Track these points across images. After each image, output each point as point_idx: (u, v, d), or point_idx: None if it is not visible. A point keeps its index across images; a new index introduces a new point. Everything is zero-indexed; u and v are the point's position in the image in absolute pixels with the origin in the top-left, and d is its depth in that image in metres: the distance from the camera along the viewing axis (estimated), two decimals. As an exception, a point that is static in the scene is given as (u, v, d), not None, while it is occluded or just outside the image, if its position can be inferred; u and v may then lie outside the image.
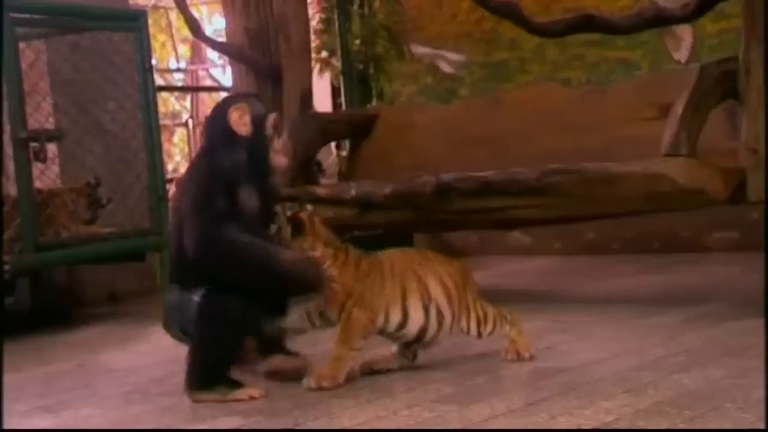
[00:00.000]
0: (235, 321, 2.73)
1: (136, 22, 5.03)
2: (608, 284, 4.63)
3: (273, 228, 2.79)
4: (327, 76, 6.63)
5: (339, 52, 6.14)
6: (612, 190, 3.55)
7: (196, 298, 2.74)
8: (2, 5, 4.19)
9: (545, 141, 4.29)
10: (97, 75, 5.22)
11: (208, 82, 11.00)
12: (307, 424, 2.44)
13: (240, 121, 2.77)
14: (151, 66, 5.05)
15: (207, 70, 11.16)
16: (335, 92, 6.95)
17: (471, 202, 3.88)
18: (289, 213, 2.81)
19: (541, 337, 3.15)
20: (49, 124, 5.24)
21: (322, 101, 6.81)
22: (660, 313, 3.55)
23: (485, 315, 2.91)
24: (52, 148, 4.79)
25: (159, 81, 7.99)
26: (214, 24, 10.41)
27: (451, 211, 3.99)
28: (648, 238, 5.50)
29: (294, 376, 2.85)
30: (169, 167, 9.13)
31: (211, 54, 10.54)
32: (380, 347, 2.99)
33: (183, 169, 9.72)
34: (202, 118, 8.96)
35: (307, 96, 5.30)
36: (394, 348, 2.96)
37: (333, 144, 5.95)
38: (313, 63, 5.80)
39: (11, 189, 4.75)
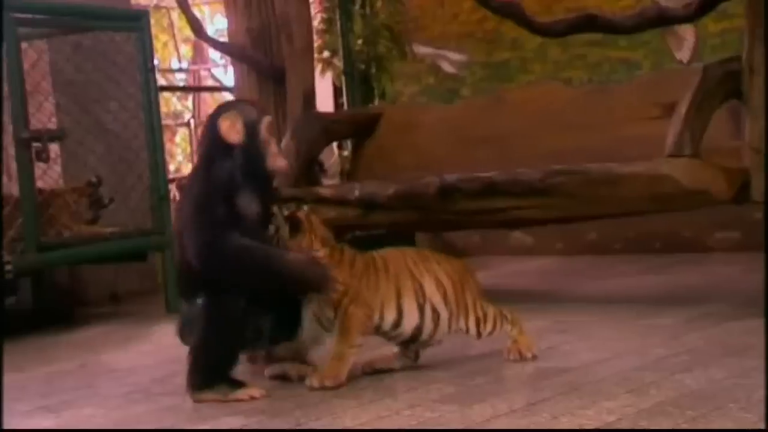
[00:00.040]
0: (237, 321, 2.73)
1: (138, 22, 5.04)
2: (610, 284, 4.63)
3: (271, 229, 2.80)
4: (329, 76, 6.62)
5: (341, 52, 6.14)
6: (615, 190, 3.55)
7: (200, 302, 2.74)
8: (2, 5, 4.19)
9: (548, 140, 4.29)
10: (99, 75, 5.23)
11: (210, 82, 11.00)
12: (309, 424, 2.44)
13: (231, 130, 2.74)
14: (153, 66, 5.06)
15: (209, 70, 11.16)
16: (337, 92, 6.95)
17: (474, 203, 3.89)
18: (286, 212, 2.81)
19: (542, 337, 3.15)
20: (52, 124, 5.25)
21: (324, 101, 6.81)
22: (662, 313, 3.55)
23: (485, 315, 2.91)
24: (54, 148, 4.80)
25: (161, 81, 7.98)
26: (216, 24, 10.41)
27: (455, 212, 3.99)
28: (650, 238, 5.50)
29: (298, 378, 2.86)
30: (171, 167, 9.13)
31: (213, 54, 10.54)
32: (382, 347, 2.99)
33: (185, 169, 9.75)
34: (203, 118, 8.97)
35: (310, 96, 5.31)
36: (395, 348, 2.96)
37: (335, 144, 5.95)
38: (315, 63, 5.80)
39: (13, 189, 4.76)
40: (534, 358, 2.92)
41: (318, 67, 5.98)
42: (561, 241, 5.83)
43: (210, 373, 2.74)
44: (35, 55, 5.01)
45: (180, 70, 11.19)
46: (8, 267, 4.24)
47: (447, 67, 6.42)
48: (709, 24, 5.12)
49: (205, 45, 8.96)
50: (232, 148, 2.75)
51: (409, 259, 2.89)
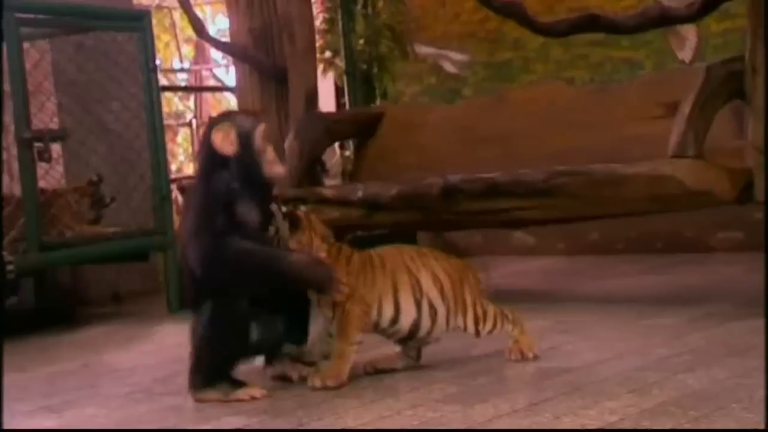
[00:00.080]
0: (239, 321, 2.73)
1: (140, 22, 5.04)
2: (612, 284, 4.63)
3: (271, 230, 2.80)
4: (330, 76, 6.63)
5: (343, 52, 6.15)
6: (619, 191, 3.55)
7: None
8: (2, 5, 4.19)
9: (551, 140, 4.29)
10: (101, 75, 5.24)
11: (211, 82, 11.01)
12: (312, 423, 2.44)
13: (225, 142, 2.74)
14: (155, 66, 5.07)
15: (211, 70, 11.17)
16: (339, 92, 6.95)
17: (478, 204, 3.89)
18: (284, 210, 2.82)
19: (544, 337, 3.14)
20: (54, 124, 5.25)
21: (326, 101, 6.81)
22: (664, 313, 3.54)
23: (485, 313, 2.90)
24: (56, 148, 4.80)
25: (163, 81, 7.98)
26: (218, 24, 10.43)
27: (458, 212, 4.00)
28: (652, 238, 5.50)
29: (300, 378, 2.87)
30: (173, 167, 9.14)
31: (215, 54, 10.55)
32: (384, 347, 2.99)
33: (186, 168, 9.76)
34: (205, 118, 8.98)
35: (312, 96, 5.31)
36: (397, 348, 2.96)
37: (336, 144, 5.95)
38: (317, 63, 5.80)
39: (15, 189, 4.76)
40: (536, 358, 2.92)
41: (320, 67, 5.98)
42: (563, 241, 5.83)
43: (212, 372, 2.74)
44: (37, 55, 5.01)
45: (182, 70, 11.20)
46: (10, 267, 4.24)
47: (449, 67, 6.42)
48: (711, 24, 5.11)
49: (206, 45, 8.97)
50: (227, 160, 2.75)
51: (406, 255, 2.89)
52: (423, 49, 6.50)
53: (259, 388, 2.75)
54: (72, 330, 4.67)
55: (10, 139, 4.61)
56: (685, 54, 5.43)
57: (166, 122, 6.28)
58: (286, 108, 5.46)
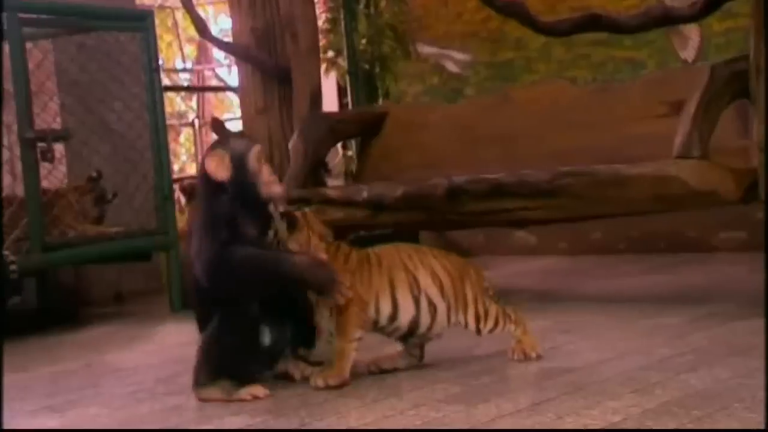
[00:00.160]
0: (247, 321, 2.75)
1: (142, 22, 5.05)
2: (614, 284, 4.63)
3: (270, 234, 2.81)
4: (333, 75, 6.63)
5: (345, 52, 6.15)
6: (623, 192, 3.55)
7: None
8: (2, 5, 4.20)
9: (555, 139, 4.29)
10: (103, 75, 5.24)
11: (214, 82, 11.03)
12: (314, 423, 2.44)
13: (218, 168, 2.77)
14: (157, 66, 5.07)
15: (213, 70, 11.19)
16: (341, 92, 6.95)
17: (482, 204, 3.89)
18: (281, 210, 2.83)
19: (546, 336, 3.14)
20: (56, 124, 5.26)
21: (329, 101, 6.81)
22: (666, 313, 3.54)
23: (486, 312, 2.90)
24: (59, 148, 4.81)
25: (165, 81, 8.00)
26: (221, 24, 10.44)
27: (462, 213, 4.00)
28: (654, 237, 5.50)
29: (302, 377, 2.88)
30: (176, 167, 9.15)
31: (218, 54, 10.57)
32: (386, 347, 2.99)
33: (189, 168, 9.77)
34: (208, 118, 8.98)
35: (316, 96, 5.31)
36: (399, 347, 2.97)
37: (338, 144, 5.96)
38: (320, 63, 5.81)
39: (18, 189, 4.77)
40: (538, 357, 2.92)
41: (322, 67, 5.98)
42: (565, 240, 5.83)
43: (216, 369, 2.75)
44: (40, 55, 5.02)
45: (184, 70, 11.22)
46: (13, 267, 4.24)
47: (451, 67, 6.42)
48: (713, 23, 5.11)
49: (209, 45, 8.98)
50: (222, 186, 2.78)
51: (404, 253, 2.90)
52: (425, 49, 6.51)
53: (262, 387, 2.75)
54: (74, 330, 4.68)
55: (13, 139, 4.62)
56: (688, 53, 5.42)
57: (168, 122, 6.30)
58: (289, 108, 5.46)
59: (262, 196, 2.81)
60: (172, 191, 5.16)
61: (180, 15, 10.41)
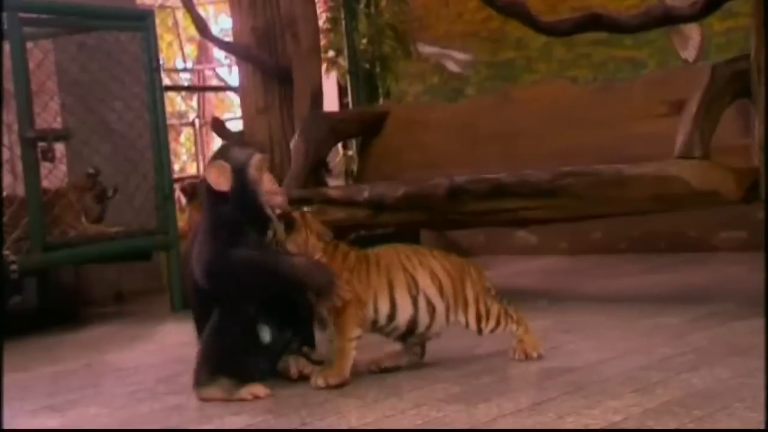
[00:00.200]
0: (246, 320, 2.76)
1: (143, 21, 5.05)
2: (614, 284, 4.62)
3: (269, 234, 2.82)
4: (333, 75, 6.63)
5: (346, 52, 6.15)
6: (624, 192, 3.55)
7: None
8: (2, 4, 4.20)
9: (555, 138, 4.29)
10: (104, 74, 5.24)
11: (214, 82, 11.02)
12: (315, 423, 2.44)
13: (219, 179, 2.80)
14: (158, 65, 5.07)
15: (214, 69, 11.19)
16: (342, 91, 6.95)
17: (483, 204, 3.90)
18: (278, 210, 2.83)
19: (547, 336, 3.14)
20: (57, 124, 5.26)
21: (329, 100, 6.81)
22: (667, 313, 3.54)
23: (488, 312, 2.90)
24: (59, 147, 4.81)
25: (166, 80, 7.98)
26: (221, 23, 10.44)
27: (464, 213, 4.00)
28: (655, 237, 5.50)
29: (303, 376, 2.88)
30: (176, 167, 9.15)
31: (218, 53, 10.56)
32: (386, 346, 2.99)
33: (189, 168, 9.77)
34: (208, 118, 8.98)
35: (317, 96, 5.31)
36: (398, 346, 2.97)
37: (339, 143, 5.96)
38: (321, 62, 5.80)
39: (18, 188, 4.77)
40: (539, 357, 2.92)
41: (323, 67, 5.98)
42: (565, 240, 5.83)
43: (216, 367, 2.75)
44: (41, 55, 5.02)
45: (185, 69, 11.21)
46: (14, 266, 4.25)
47: (452, 67, 6.42)
48: (714, 23, 5.11)
49: (209, 44, 8.98)
50: (223, 196, 2.81)
51: (402, 254, 2.91)
52: (426, 49, 6.50)
53: (263, 386, 2.75)
54: (75, 329, 4.68)
55: (13, 138, 4.62)
56: (689, 53, 5.42)
57: (169, 122, 6.29)
58: (290, 108, 5.46)
59: (263, 205, 2.83)
60: (172, 191, 5.16)
61: (180, 14, 10.41)
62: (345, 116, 5.60)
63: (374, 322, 2.84)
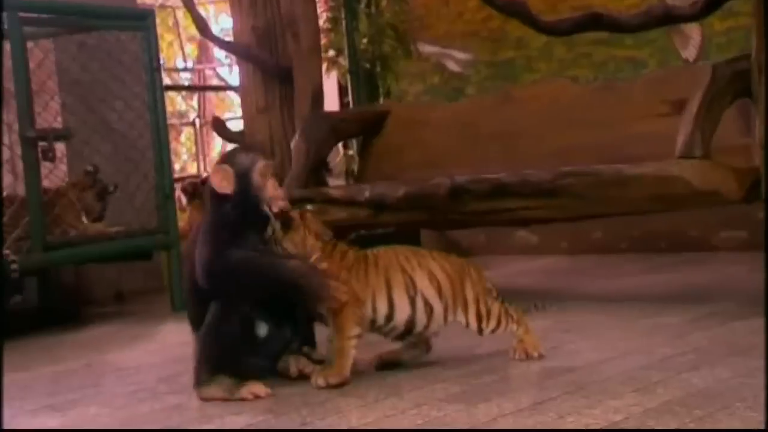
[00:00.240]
0: (242, 316, 2.77)
1: (143, 21, 5.05)
2: (615, 283, 4.62)
3: (269, 230, 2.83)
4: (334, 74, 6.63)
5: (346, 51, 6.15)
6: (625, 192, 3.55)
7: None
8: (2, 4, 4.20)
9: (556, 137, 4.29)
10: (104, 74, 5.24)
11: (215, 82, 11.02)
12: (315, 423, 2.44)
13: (222, 182, 2.83)
14: (158, 65, 5.07)
15: (214, 69, 11.18)
16: (342, 91, 6.95)
17: (484, 204, 3.90)
18: (275, 209, 2.84)
19: (547, 336, 3.14)
20: (57, 124, 5.26)
21: (330, 100, 6.81)
22: (667, 312, 3.54)
23: (488, 312, 2.91)
24: (60, 147, 4.81)
25: (166, 80, 7.98)
26: (221, 23, 10.43)
27: (464, 212, 4.00)
28: (655, 237, 5.50)
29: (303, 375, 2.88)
30: (176, 166, 9.15)
31: (219, 53, 10.56)
32: (386, 345, 2.99)
33: (190, 168, 9.76)
34: (209, 118, 8.98)
35: (318, 95, 5.30)
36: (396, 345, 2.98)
37: (340, 143, 5.96)
38: (321, 62, 5.80)
39: (19, 188, 4.77)
40: (540, 357, 2.92)
41: (323, 66, 5.98)
42: (566, 240, 5.83)
43: (214, 367, 2.75)
44: (41, 55, 5.02)
45: (185, 69, 11.20)
46: (14, 266, 4.25)
47: (452, 66, 6.42)
48: (714, 22, 5.11)
49: (210, 44, 8.97)
50: (226, 198, 2.83)
51: (401, 255, 2.92)
52: (426, 48, 6.50)
53: (263, 385, 2.75)
54: (75, 329, 4.68)
55: (14, 138, 4.62)
56: (689, 53, 5.42)
57: (169, 121, 6.29)
58: (290, 107, 5.46)
59: (264, 211, 2.84)
60: (173, 190, 5.16)
61: (181, 14, 10.41)
62: (345, 116, 5.60)
63: (372, 322, 2.85)
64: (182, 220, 5.41)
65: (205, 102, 10.80)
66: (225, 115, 9.45)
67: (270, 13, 5.56)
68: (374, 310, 2.84)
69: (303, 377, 2.85)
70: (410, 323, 2.87)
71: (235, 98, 9.46)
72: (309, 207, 3.09)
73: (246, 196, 2.82)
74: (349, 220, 4.22)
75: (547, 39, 5.50)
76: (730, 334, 3.09)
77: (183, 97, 11.10)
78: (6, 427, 2.59)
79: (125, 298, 5.70)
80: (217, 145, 10.01)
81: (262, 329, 2.82)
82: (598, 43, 5.54)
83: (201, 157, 9.00)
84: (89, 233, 4.79)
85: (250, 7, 5.58)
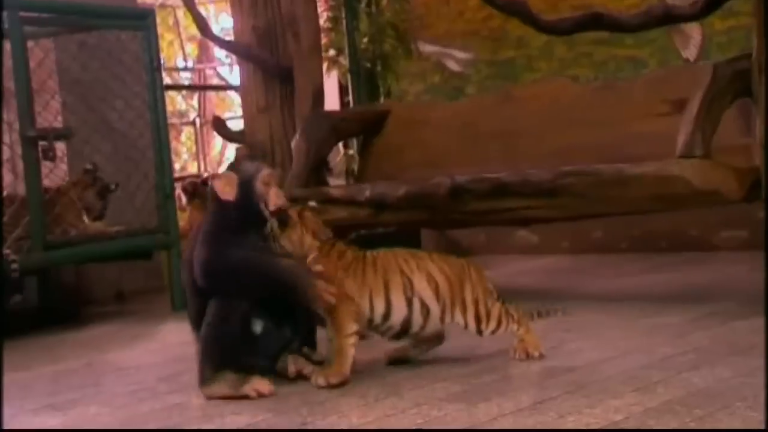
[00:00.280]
0: (241, 313, 2.77)
1: (144, 20, 5.05)
2: (615, 283, 4.62)
3: (267, 227, 2.84)
4: (334, 74, 6.63)
5: (347, 51, 6.15)
6: (626, 191, 3.55)
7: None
8: (2, 4, 4.19)
9: (557, 137, 4.29)
10: (105, 73, 5.24)
11: (215, 81, 11.01)
12: (316, 422, 2.44)
13: (225, 188, 2.86)
14: (158, 64, 5.07)
15: (214, 68, 11.17)
16: (342, 90, 6.95)
17: (484, 203, 3.90)
18: (272, 208, 2.84)
19: (548, 336, 3.14)
20: (58, 123, 5.26)
21: (330, 100, 6.81)
22: (668, 312, 3.54)
23: (488, 313, 2.91)
24: (60, 146, 4.81)
25: (166, 80, 7.98)
26: (222, 22, 10.42)
27: (465, 212, 4.01)
28: (655, 236, 5.50)
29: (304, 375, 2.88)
30: (177, 166, 9.14)
31: (219, 53, 10.55)
32: (385, 345, 3.00)
33: (190, 167, 9.76)
34: (209, 117, 8.98)
35: (318, 95, 5.30)
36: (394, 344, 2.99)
37: (340, 142, 5.95)
38: (322, 61, 5.80)
39: (19, 187, 4.77)
40: (541, 357, 2.92)
41: (324, 66, 5.98)
42: (566, 239, 5.83)
43: (217, 363, 2.75)
44: (41, 54, 5.02)
45: (185, 68, 11.19)
46: (14, 265, 4.25)
47: (452, 66, 6.42)
48: (715, 22, 5.11)
49: (210, 44, 8.96)
50: (228, 205, 2.86)
51: (400, 257, 2.93)
52: (426, 48, 6.50)
53: (267, 383, 2.76)
54: (76, 328, 4.68)
55: (14, 137, 4.62)
56: (690, 52, 5.42)
57: (169, 121, 6.29)
58: (291, 107, 5.46)
59: (265, 218, 2.86)
60: (173, 190, 5.16)
61: (181, 13, 10.40)
62: (346, 115, 5.60)
63: (370, 321, 2.86)
64: (182, 219, 5.41)
65: (206, 101, 10.79)
66: (225, 115, 9.45)
67: (270, 13, 5.56)
68: (372, 309, 2.84)
69: (301, 377, 2.86)
70: (407, 323, 2.87)
71: (235, 98, 9.46)
72: (312, 203, 3.07)
73: (247, 204, 2.85)
74: (349, 219, 4.22)
75: (547, 38, 5.50)
76: (730, 334, 3.09)
77: (183, 97, 11.09)
78: (6, 426, 2.59)
79: (125, 298, 5.70)
80: (218, 145, 10.01)
81: (258, 326, 2.82)
82: (599, 42, 5.54)
83: (201, 156, 9.00)
84: (89, 233, 4.79)
85: (251, 6, 5.58)
